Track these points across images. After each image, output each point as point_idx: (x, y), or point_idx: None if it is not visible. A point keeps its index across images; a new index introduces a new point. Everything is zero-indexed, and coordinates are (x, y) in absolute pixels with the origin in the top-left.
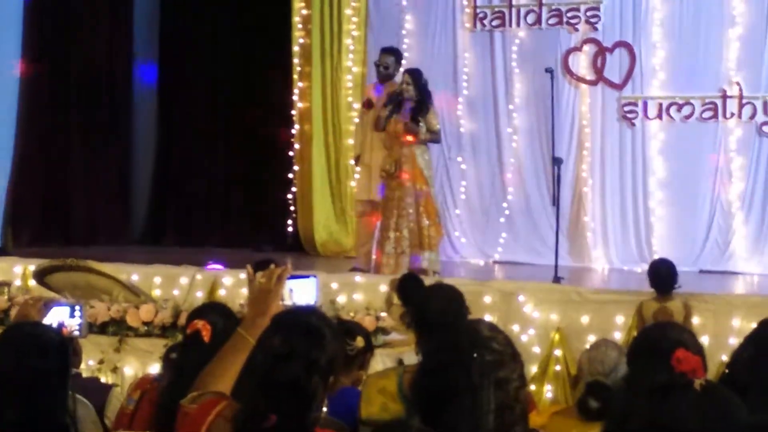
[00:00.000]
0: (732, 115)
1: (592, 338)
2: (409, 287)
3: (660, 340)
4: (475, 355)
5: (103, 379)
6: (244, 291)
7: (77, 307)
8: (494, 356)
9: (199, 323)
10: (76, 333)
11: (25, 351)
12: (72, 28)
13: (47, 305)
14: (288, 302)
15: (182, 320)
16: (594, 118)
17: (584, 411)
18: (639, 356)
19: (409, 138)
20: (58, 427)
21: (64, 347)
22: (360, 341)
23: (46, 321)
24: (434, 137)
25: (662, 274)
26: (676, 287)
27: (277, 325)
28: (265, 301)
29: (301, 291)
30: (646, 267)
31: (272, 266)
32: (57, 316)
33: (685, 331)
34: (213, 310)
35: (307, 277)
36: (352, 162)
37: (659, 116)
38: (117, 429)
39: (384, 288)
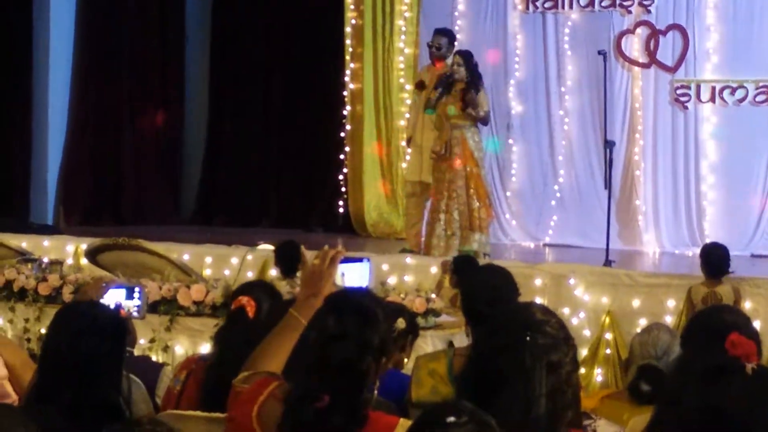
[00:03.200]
0: None
1: (642, 322)
2: (463, 268)
3: (714, 323)
4: (527, 338)
5: (154, 358)
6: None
7: (137, 289)
8: (547, 339)
9: (244, 299)
10: (135, 314)
11: (81, 331)
12: (124, 6)
13: (108, 285)
14: (340, 285)
15: None
16: (646, 101)
17: (636, 394)
18: (693, 338)
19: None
20: (112, 407)
21: (120, 328)
22: (401, 323)
23: (103, 301)
24: (483, 119)
25: (715, 259)
26: (729, 272)
27: (330, 306)
28: (317, 283)
29: (353, 275)
30: (697, 251)
31: (326, 247)
32: (114, 297)
33: (740, 315)
34: (258, 287)
35: (361, 260)
36: (404, 143)
37: (712, 100)
38: (165, 409)
39: (434, 270)
